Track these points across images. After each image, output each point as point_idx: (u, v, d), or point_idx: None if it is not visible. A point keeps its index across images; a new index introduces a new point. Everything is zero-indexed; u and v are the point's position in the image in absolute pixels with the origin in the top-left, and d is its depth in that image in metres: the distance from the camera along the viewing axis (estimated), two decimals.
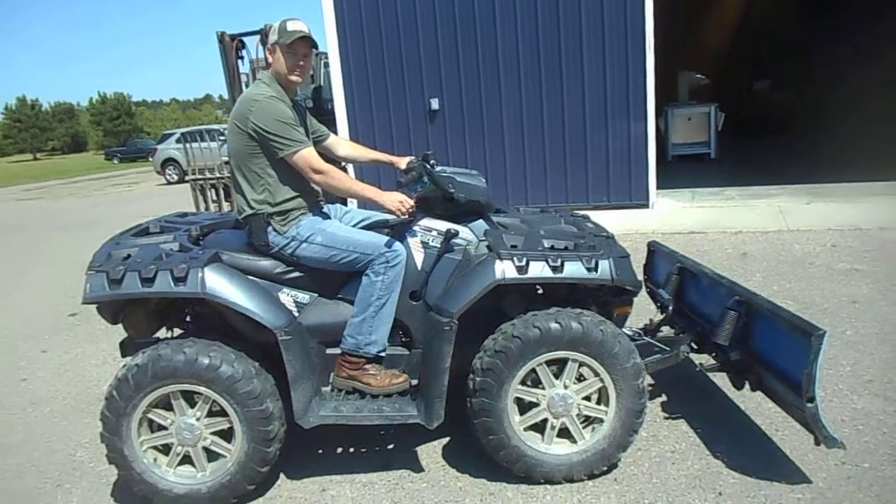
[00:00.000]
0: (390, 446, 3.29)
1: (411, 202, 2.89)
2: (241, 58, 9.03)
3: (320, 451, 3.27)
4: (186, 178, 10.25)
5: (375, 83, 8.73)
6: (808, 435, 2.73)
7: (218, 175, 9.67)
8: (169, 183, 21.17)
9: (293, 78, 2.92)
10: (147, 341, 3.00)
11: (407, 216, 2.92)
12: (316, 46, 2.99)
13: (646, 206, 8.26)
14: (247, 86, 8.88)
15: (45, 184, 28.39)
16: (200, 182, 9.72)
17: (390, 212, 2.90)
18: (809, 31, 14.28)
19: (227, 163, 9.48)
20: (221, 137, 13.98)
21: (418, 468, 3.09)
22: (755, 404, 3.40)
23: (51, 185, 26.96)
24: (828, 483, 2.75)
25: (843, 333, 4.19)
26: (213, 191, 9.76)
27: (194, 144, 9.86)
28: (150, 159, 23.49)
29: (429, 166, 2.94)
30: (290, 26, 2.85)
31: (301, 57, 2.91)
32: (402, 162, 3.19)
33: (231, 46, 8.90)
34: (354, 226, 3.10)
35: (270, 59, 2.92)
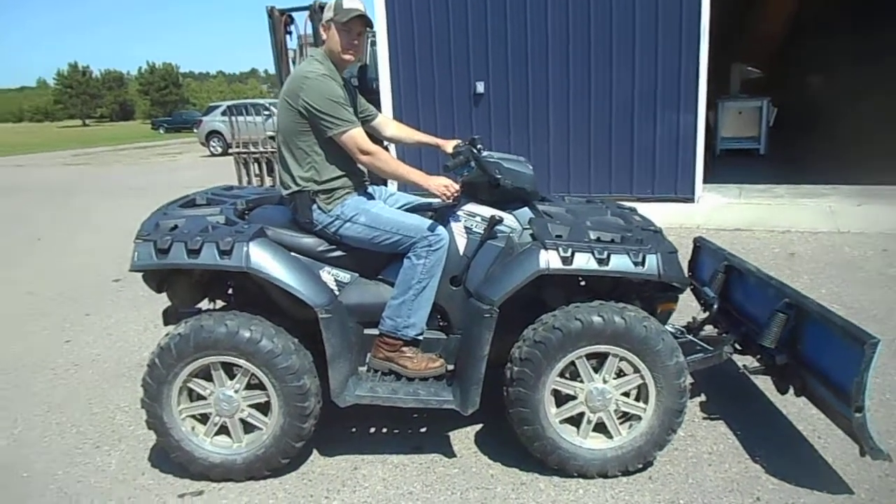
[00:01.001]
0: (423, 429, 3.30)
1: (456, 187, 2.87)
2: (290, 33, 9.05)
3: (353, 430, 3.29)
4: (230, 150, 10.36)
5: (422, 64, 8.68)
6: (851, 444, 2.66)
7: (262, 149, 9.75)
8: (212, 155, 21.50)
9: (347, 57, 2.90)
10: (189, 311, 3.05)
11: (451, 201, 2.90)
12: (371, 25, 2.96)
13: (691, 200, 8.08)
14: (294, 62, 8.93)
15: (93, 150, 29.07)
16: (244, 156, 9.83)
17: (435, 196, 2.88)
18: (867, 26, 13.74)
19: (271, 138, 9.63)
20: (266, 112, 14.12)
21: (450, 453, 3.09)
22: (797, 409, 3.32)
23: (98, 152, 27.59)
24: (870, 495, 2.67)
25: (892, 342, 4.05)
26: (255, 165, 9.86)
27: (240, 118, 9.97)
28: (195, 130, 23.83)
29: (475, 151, 2.91)
30: (347, 3, 2.82)
31: (356, 35, 2.89)
32: (448, 145, 3.16)
33: (280, 21, 8.93)
34: (399, 208, 3.08)
35: (324, 36, 2.89)
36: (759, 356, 3.18)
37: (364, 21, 2.87)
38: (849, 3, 14.55)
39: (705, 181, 8.30)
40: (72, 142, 35.74)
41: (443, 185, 2.82)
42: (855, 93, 14.48)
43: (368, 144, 2.82)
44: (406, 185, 2.94)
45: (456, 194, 2.87)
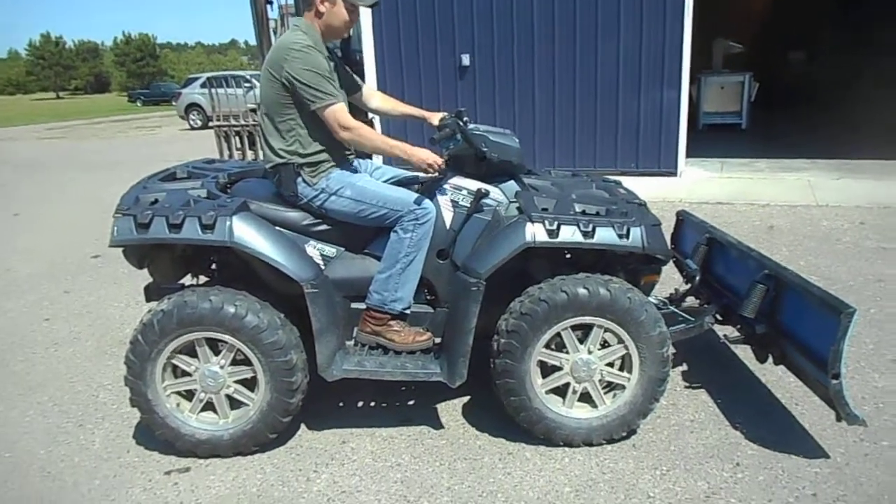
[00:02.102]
0: (411, 402, 3.32)
1: (440, 160, 2.85)
2: (270, 3, 8.86)
3: (341, 404, 3.30)
4: (210, 123, 10.18)
5: (406, 36, 8.56)
6: (827, 410, 2.74)
7: (243, 122, 9.61)
8: (192, 128, 21.15)
9: (344, 34, 2.89)
10: (172, 287, 3.02)
11: (436, 174, 2.88)
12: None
13: (674, 174, 8.12)
14: (275, 32, 8.76)
15: (67, 123, 28.47)
16: (225, 129, 9.68)
17: (419, 169, 2.86)
18: (847, 3, 13.79)
19: (252, 110, 9.48)
20: (247, 84, 13.88)
21: (438, 425, 3.12)
22: (776, 378, 3.39)
23: (73, 125, 27.04)
24: (845, 459, 2.75)
25: (867, 311, 4.14)
26: (237, 138, 9.71)
27: (220, 90, 9.76)
28: (174, 103, 23.38)
29: (461, 123, 2.89)
30: None
31: (357, 16, 2.86)
32: (434, 118, 3.13)
33: None
34: (385, 181, 3.06)
35: (322, 8, 2.80)
36: (739, 326, 3.23)
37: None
38: None
39: (688, 155, 8.34)
40: (45, 115, 34.94)
41: (425, 159, 2.80)
42: (836, 69, 14.56)
43: (349, 120, 2.77)
44: (391, 159, 2.92)
45: (440, 167, 2.85)
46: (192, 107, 21.28)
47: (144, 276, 3.06)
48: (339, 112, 2.75)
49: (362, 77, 8.50)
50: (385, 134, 3.06)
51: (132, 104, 42.94)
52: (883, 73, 11.94)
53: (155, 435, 2.88)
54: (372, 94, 3.32)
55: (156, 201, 2.77)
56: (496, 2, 8.19)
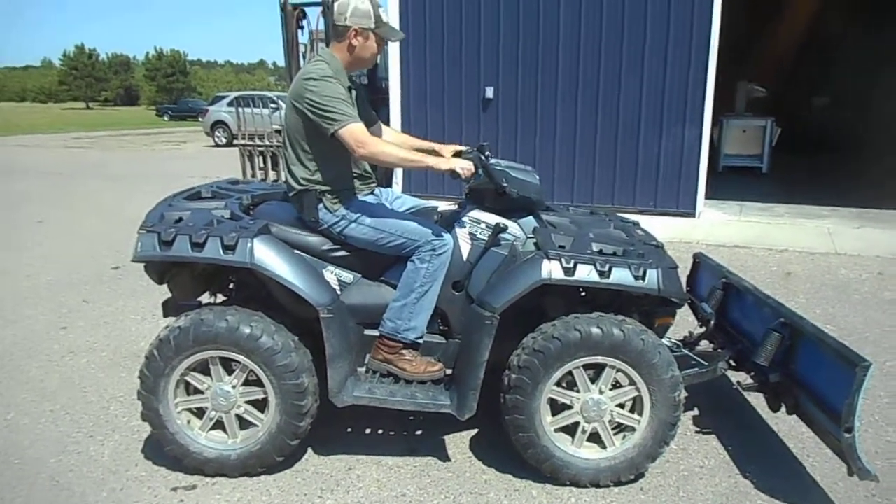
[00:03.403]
0: (418, 432, 3.31)
1: (471, 166, 2.81)
2: (301, 28, 9.05)
3: (349, 430, 3.30)
4: (235, 142, 10.36)
5: (432, 66, 8.71)
6: (839, 463, 2.69)
7: (267, 143, 9.75)
8: (217, 145, 21.47)
9: (369, 65, 2.98)
10: (190, 304, 3.06)
11: (469, 181, 2.85)
12: None
13: (692, 215, 8.12)
14: (304, 56, 8.93)
15: (95, 133, 29.02)
16: (249, 148, 9.83)
17: (451, 173, 2.78)
18: (873, 52, 13.80)
19: (277, 131, 9.61)
20: (273, 104, 14.12)
21: (445, 457, 3.11)
22: (788, 427, 3.35)
23: (101, 136, 27.54)
24: None
25: (883, 364, 4.09)
26: (260, 158, 9.85)
27: (247, 109, 9.95)
28: (201, 119, 23.79)
29: (483, 158, 2.92)
30: (385, 18, 2.89)
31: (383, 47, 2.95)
32: (446, 150, 3.17)
33: (292, 16, 8.93)
34: (404, 211, 3.10)
35: (354, 42, 2.85)
36: (752, 373, 3.20)
37: None
38: (856, 27, 14.62)
39: (707, 197, 8.34)
40: (74, 124, 35.66)
41: (454, 167, 2.77)
42: (860, 116, 14.54)
43: (366, 137, 2.74)
44: (411, 188, 2.94)
45: (471, 174, 2.80)
46: (218, 124, 21.63)
47: (163, 291, 3.10)
48: (355, 130, 2.72)
49: (387, 104, 8.63)
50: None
51: (160, 118, 43.71)
52: None
53: (164, 450, 2.90)
54: (385, 131, 3.31)
55: (180, 219, 2.83)
56: (523, 35, 8.32)
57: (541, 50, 8.30)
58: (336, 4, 2.87)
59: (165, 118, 43.22)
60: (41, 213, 9.27)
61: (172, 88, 70.81)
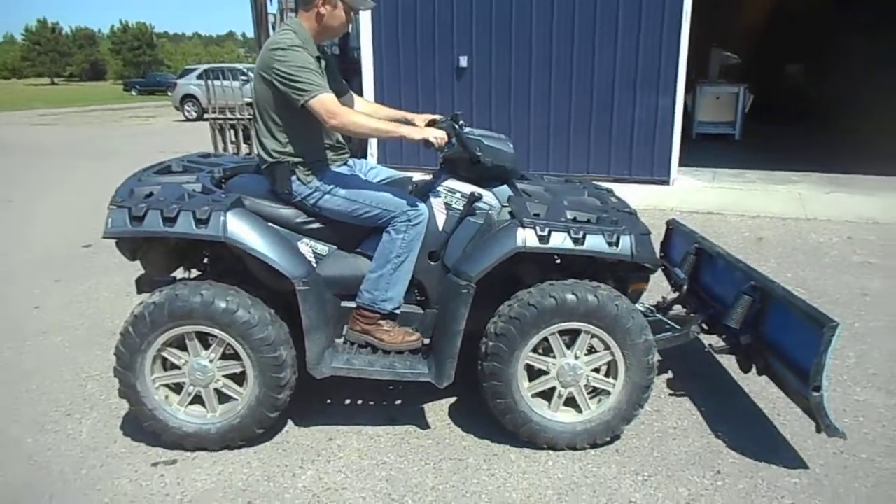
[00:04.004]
0: (398, 402, 3.34)
1: (444, 135, 2.82)
2: None
3: (329, 401, 3.32)
4: (206, 115, 10.18)
5: (405, 36, 8.60)
6: (808, 422, 2.78)
7: (238, 116, 9.60)
8: (187, 119, 21.08)
9: (339, 34, 2.92)
10: (164, 280, 3.03)
11: (443, 150, 2.86)
12: None
13: (666, 182, 8.18)
14: (273, 27, 8.77)
15: (61, 110, 28.30)
16: (220, 122, 9.67)
17: (425, 142, 2.78)
18: (846, 19, 13.90)
19: (248, 104, 9.45)
20: (243, 77, 13.89)
21: (424, 425, 3.15)
22: (759, 388, 3.43)
23: (67, 112, 26.87)
24: (825, 470, 2.80)
25: (851, 325, 4.21)
26: (232, 131, 9.71)
27: (216, 82, 9.77)
28: (169, 93, 23.31)
29: (457, 127, 2.92)
30: None
31: (352, 17, 2.90)
32: (418, 119, 3.15)
33: None
34: (379, 182, 3.09)
35: (322, 10, 2.81)
36: (724, 336, 3.27)
37: None
38: None
39: (681, 164, 8.41)
40: (39, 101, 34.74)
41: (427, 136, 2.77)
42: (832, 83, 14.69)
43: (336, 106, 2.72)
44: (386, 158, 2.93)
45: (444, 142, 2.81)
46: (188, 98, 21.21)
47: (136, 268, 3.06)
48: (326, 100, 2.70)
49: (359, 74, 8.53)
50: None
51: (127, 93, 42.73)
52: (879, 88, 12.06)
53: (143, 426, 2.89)
54: (357, 101, 3.27)
55: (151, 194, 2.78)
56: (495, 4, 8.23)
57: (514, 18, 8.22)
58: None
59: (133, 93, 42.26)
60: (8, 193, 9.05)
61: (139, 62, 69.24)
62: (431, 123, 3.08)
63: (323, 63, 2.89)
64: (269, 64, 2.73)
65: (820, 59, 15.29)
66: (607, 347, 2.81)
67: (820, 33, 15.09)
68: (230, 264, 2.98)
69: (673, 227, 4.10)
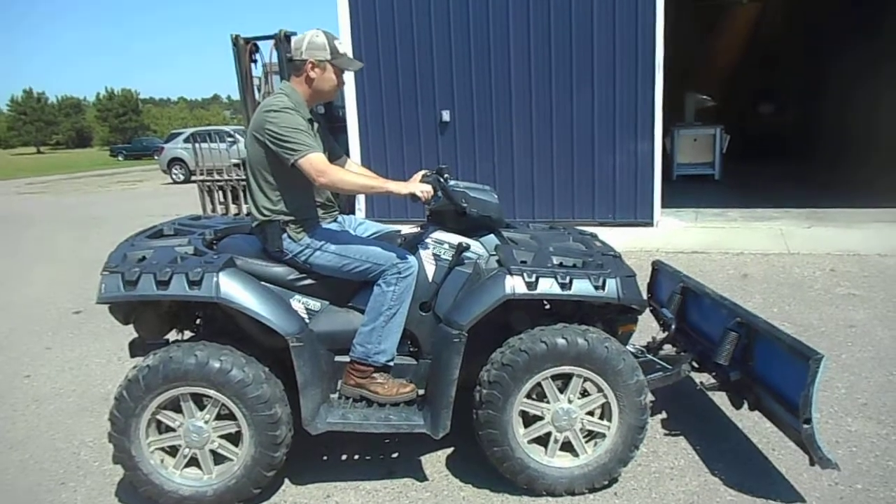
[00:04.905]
0: (395, 454, 3.33)
1: (430, 189, 2.89)
2: (255, 61, 9.09)
3: (325, 458, 3.31)
4: (193, 178, 10.29)
5: (388, 93, 8.83)
6: (803, 455, 2.79)
7: (226, 177, 9.71)
8: (175, 182, 21.22)
9: (331, 97, 3.03)
10: (157, 343, 3.04)
11: (429, 203, 2.92)
12: None
13: (650, 224, 8.34)
14: (258, 89, 8.96)
15: (48, 178, 28.43)
16: (208, 183, 9.77)
17: (412, 196, 2.85)
18: (815, 58, 14.40)
19: (236, 165, 9.56)
20: (230, 139, 14.07)
21: (422, 477, 3.13)
22: (752, 423, 3.45)
23: (55, 180, 26.98)
24: (821, 502, 2.80)
25: (839, 357, 4.25)
26: (220, 192, 9.80)
27: (203, 145, 9.90)
28: (156, 158, 23.53)
29: (443, 180, 3.00)
30: (342, 49, 2.96)
31: (344, 78, 3.02)
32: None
33: (245, 50, 8.97)
34: (368, 236, 3.15)
35: (312, 74, 2.91)
36: (714, 373, 3.29)
37: None
38: (797, 37, 15.24)
39: (663, 206, 8.59)
40: (26, 170, 34.88)
41: (413, 191, 2.85)
42: (803, 120, 15.12)
43: (325, 165, 2.81)
44: (374, 213, 3.00)
45: (430, 197, 2.88)
46: (175, 161, 21.43)
47: (127, 332, 3.08)
48: (314, 160, 2.78)
49: (345, 132, 8.70)
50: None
51: (114, 158, 42.95)
52: (850, 126, 12.42)
53: (138, 492, 2.86)
54: (349, 165, 3.34)
55: (143, 258, 2.83)
56: (475, 58, 8.51)
57: (493, 72, 8.49)
58: (293, 40, 2.94)
59: (120, 158, 42.46)
60: None
61: (125, 128, 69.79)
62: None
63: (315, 126, 2.99)
64: (262, 125, 2.82)
65: (792, 97, 15.76)
66: (600, 390, 2.84)
67: (790, 72, 15.59)
68: (223, 324, 3.00)
69: (658, 268, 4.17)
